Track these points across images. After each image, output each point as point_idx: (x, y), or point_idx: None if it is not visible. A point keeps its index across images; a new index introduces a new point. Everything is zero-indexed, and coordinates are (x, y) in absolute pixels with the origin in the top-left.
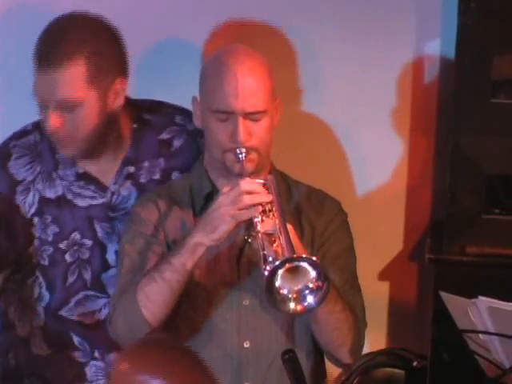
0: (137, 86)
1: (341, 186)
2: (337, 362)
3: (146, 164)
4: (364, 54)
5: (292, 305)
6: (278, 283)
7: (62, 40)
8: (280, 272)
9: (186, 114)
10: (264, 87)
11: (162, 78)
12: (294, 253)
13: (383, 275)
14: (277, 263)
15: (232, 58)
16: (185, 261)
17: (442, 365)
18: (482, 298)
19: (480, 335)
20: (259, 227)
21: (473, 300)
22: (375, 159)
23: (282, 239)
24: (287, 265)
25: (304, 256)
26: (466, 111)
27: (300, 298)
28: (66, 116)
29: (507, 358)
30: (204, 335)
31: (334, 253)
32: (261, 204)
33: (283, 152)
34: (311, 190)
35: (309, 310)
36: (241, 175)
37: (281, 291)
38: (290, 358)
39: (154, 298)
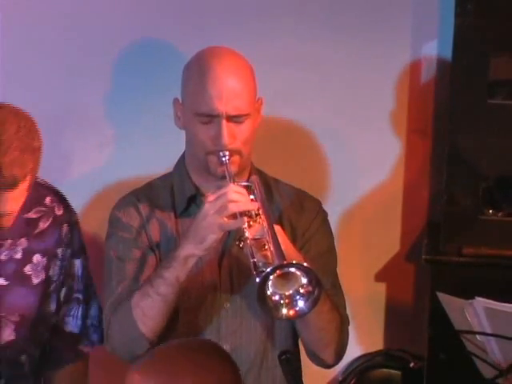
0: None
1: (338, 187)
2: (321, 362)
3: (9, 241)
4: (361, 56)
5: (284, 310)
6: (269, 290)
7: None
8: (271, 278)
9: (58, 196)
10: (247, 89)
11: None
12: (284, 259)
13: (380, 276)
14: (268, 270)
15: (215, 59)
16: (178, 274)
17: (439, 366)
18: (478, 299)
19: (477, 336)
20: (247, 234)
21: (470, 301)
22: (372, 160)
23: (271, 244)
24: (278, 271)
25: (294, 262)
26: (462, 112)
27: (292, 303)
28: None
29: (504, 358)
30: (184, 337)
31: (316, 253)
32: (247, 212)
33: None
34: (291, 189)
35: (301, 315)
36: (224, 178)
37: (273, 298)
38: (287, 359)
39: (150, 314)
